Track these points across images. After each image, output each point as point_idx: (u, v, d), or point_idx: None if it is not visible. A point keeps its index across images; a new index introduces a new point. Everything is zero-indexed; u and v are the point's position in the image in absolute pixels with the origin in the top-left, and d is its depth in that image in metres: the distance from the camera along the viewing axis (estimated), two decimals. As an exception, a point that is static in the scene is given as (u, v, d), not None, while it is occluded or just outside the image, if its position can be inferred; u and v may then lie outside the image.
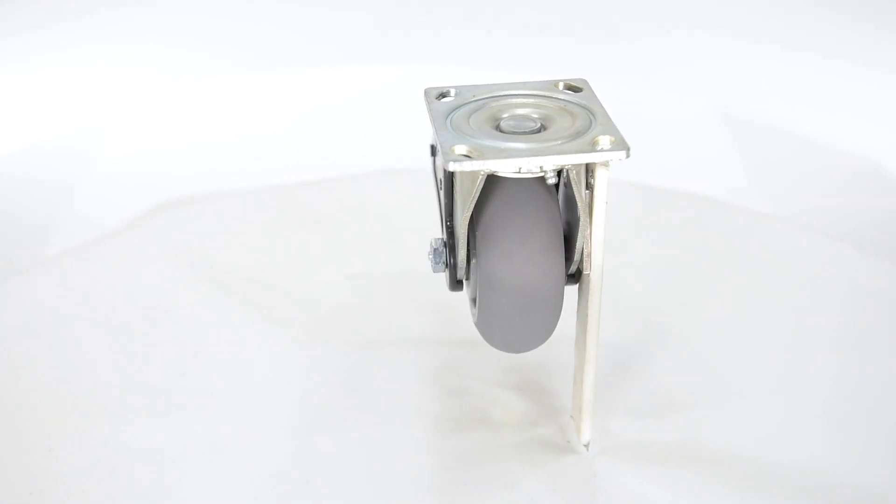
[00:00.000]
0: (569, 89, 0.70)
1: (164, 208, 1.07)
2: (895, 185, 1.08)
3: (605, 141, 0.64)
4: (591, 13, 1.25)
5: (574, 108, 0.68)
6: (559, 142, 0.65)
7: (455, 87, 0.70)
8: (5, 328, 0.89)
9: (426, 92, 0.70)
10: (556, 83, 0.70)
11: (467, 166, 0.63)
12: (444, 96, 0.70)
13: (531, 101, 0.69)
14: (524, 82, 0.70)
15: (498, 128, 0.66)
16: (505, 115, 0.67)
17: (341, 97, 1.20)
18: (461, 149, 0.64)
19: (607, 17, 1.25)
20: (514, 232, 0.66)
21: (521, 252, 0.66)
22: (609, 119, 0.66)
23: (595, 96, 0.69)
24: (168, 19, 1.21)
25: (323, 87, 1.21)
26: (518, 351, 0.70)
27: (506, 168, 0.64)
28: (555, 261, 0.66)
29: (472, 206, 0.65)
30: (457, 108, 0.69)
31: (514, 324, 0.68)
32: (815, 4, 1.21)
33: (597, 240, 0.68)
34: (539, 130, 0.66)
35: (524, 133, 0.66)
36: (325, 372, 0.84)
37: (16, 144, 1.10)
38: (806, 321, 0.90)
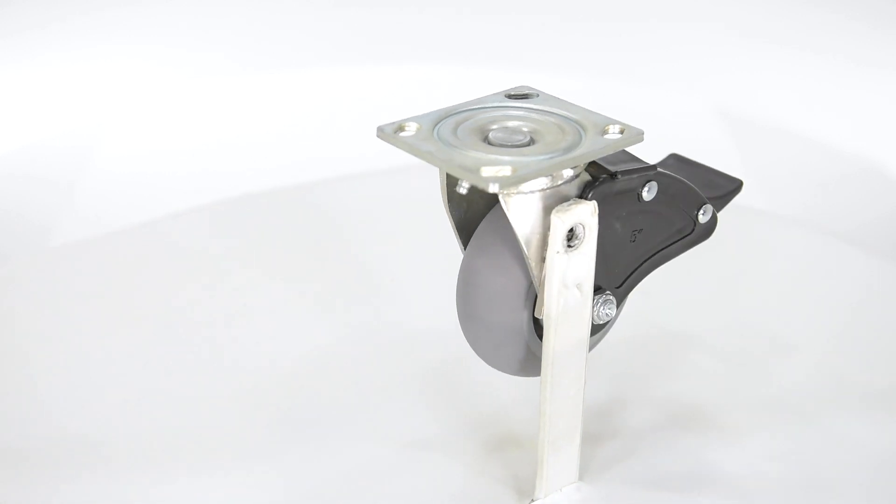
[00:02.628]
0: (620, 132, 0.66)
1: (165, 208, 1.07)
2: (895, 183, 1.08)
3: (504, 171, 0.60)
4: (591, 12, 1.25)
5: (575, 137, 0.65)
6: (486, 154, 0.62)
7: (540, 94, 0.68)
8: (7, 328, 0.89)
9: (517, 89, 0.68)
10: (609, 125, 0.65)
11: (379, 135, 0.64)
12: (522, 97, 0.67)
13: (553, 119, 0.66)
14: (589, 110, 0.67)
15: (486, 138, 0.64)
16: (496, 126, 0.66)
17: (341, 97, 1.20)
18: (408, 125, 0.64)
19: (607, 17, 1.25)
20: (477, 241, 0.67)
21: (473, 262, 0.66)
22: (565, 159, 0.62)
23: (619, 140, 0.64)
24: (168, 19, 1.21)
25: (323, 87, 1.21)
26: (484, 362, 0.69)
27: (410, 153, 0.63)
28: (502, 284, 0.66)
29: (444, 195, 0.66)
30: (470, 110, 0.67)
31: (463, 331, 0.68)
32: (814, 4, 1.21)
33: (549, 288, 0.64)
34: (526, 145, 0.64)
35: (503, 146, 0.63)
36: (348, 380, 0.83)
37: (16, 144, 1.10)
38: (805, 320, 0.91)
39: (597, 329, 0.70)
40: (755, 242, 1.01)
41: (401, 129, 0.64)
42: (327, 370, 0.84)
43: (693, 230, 0.71)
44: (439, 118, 0.66)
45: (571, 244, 0.64)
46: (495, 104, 0.67)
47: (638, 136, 0.64)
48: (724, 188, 0.74)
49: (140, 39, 1.20)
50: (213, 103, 1.19)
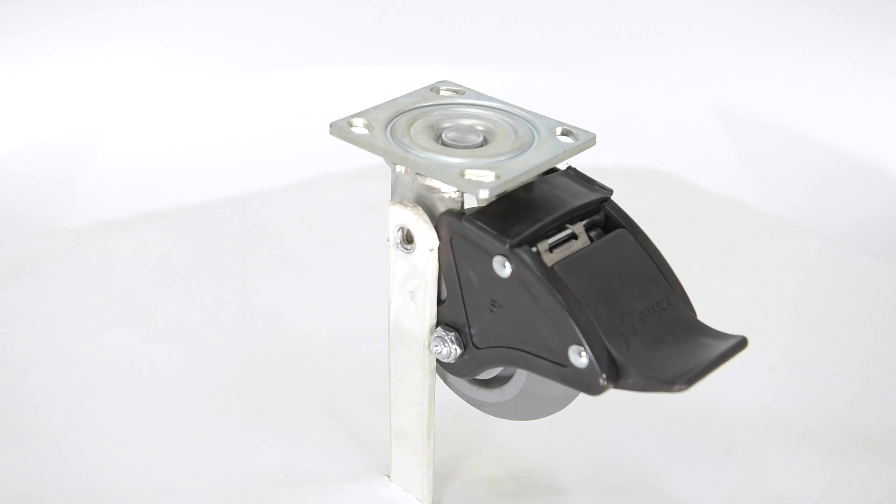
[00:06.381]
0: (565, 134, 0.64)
1: (166, 205, 1.08)
2: (893, 183, 1.08)
3: (360, 127, 0.64)
4: (591, 13, 1.25)
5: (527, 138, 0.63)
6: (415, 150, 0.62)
7: (578, 136, 0.64)
8: (8, 326, 0.90)
9: (573, 131, 0.65)
10: (495, 173, 0.60)
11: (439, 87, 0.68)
12: (570, 134, 0.64)
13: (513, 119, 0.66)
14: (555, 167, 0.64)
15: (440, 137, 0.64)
16: (449, 124, 0.65)
17: (341, 97, 1.20)
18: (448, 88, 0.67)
19: (607, 17, 1.25)
20: None
21: None
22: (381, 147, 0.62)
23: (460, 180, 0.60)
24: (168, 19, 1.22)
25: (322, 87, 1.21)
26: None
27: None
28: None
29: None
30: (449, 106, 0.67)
31: None
32: (814, 4, 1.22)
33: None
34: (480, 144, 0.63)
35: (461, 147, 0.63)
36: (321, 388, 0.83)
37: (19, 142, 1.10)
38: (804, 320, 0.91)
39: (457, 372, 0.64)
40: (754, 242, 1.01)
41: (437, 91, 0.67)
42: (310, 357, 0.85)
43: (567, 366, 0.56)
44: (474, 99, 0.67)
45: (407, 247, 0.63)
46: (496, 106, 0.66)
47: (480, 193, 0.58)
48: (697, 360, 0.56)
49: (140, 39, 1.20)
50: (213, 103, 1.19)
